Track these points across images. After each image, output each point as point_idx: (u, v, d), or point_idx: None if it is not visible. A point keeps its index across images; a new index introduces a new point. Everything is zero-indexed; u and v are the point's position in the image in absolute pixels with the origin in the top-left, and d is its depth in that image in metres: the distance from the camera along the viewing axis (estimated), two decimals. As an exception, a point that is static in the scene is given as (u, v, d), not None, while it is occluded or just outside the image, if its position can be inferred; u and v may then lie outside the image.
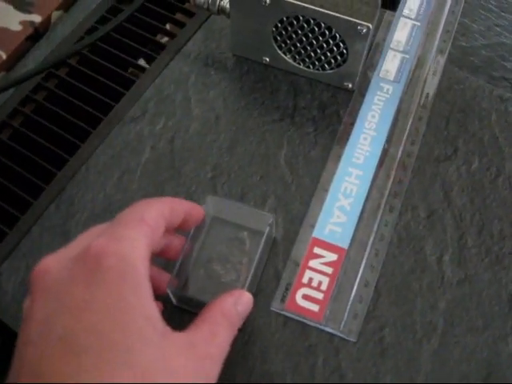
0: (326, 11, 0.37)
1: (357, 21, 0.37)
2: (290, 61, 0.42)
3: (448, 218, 0.39)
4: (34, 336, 0.24)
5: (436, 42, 0.45)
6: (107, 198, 0.39)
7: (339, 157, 0.40)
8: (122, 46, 0.45)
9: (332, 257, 0.37)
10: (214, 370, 0.27)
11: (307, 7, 0.37)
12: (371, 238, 0.37)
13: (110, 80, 0.43)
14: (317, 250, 0.37)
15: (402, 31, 0.45)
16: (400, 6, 0.43)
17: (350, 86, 0.42)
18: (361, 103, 0.42)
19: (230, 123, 0.42)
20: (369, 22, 0.37)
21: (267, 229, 0.35)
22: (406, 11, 0.46)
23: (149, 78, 0.43)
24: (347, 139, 0.40)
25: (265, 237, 0.35)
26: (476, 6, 0.47)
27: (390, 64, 0.43)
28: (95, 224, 0.30)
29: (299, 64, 0.42)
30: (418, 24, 0.45)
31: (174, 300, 0.35)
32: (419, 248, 0.38)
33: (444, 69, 0.44)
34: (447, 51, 0.45)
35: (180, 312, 0.35)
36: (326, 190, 0.39)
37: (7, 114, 0.42)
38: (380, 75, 0.43)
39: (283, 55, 0.42)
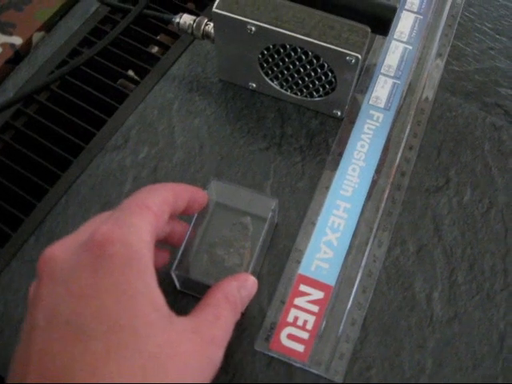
0: (313, 40, 0.36)
1: (345, 51, 0.35)
2: (277, 87, 0.41)
3: (438, 253, 0.38)
4: (41, 321, 0.24)
5: (428, 67, 0.44)
6: (87, 231, 0.38)
7: (327, 188, 0.39)
8: (105, 69, 0.43)
9: (318, 294, 0.36)
10: (218, 353, 0.27)
11: (294, 36, 0.36)
12: (359, 275, 0.36)
13: (91, 105, 0.42)
14: (303, 288, 0.36)
15: (394, 55, 0.44)
16: (391, 28, 0.42)
17: (339, 113, 0.41)
18: (350, 132, 0.41)
19: (214, 152, 0.41)
20: (358, 52, 0.35)
21: (270, 214, 0.35)
22: (397, 34, 0.45)
23: (131, 104, 0.42)
24: (335, 170, 0.39)
25: (268, 222, 0.35)
26: (470, 29, 0.46)
27: (381, 90, 0.42)
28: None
29: (287, 91, 0.41)
30: (410, 48, 0.44)
31: (177, 284, 0.35)
32: (408, 285, 0.37)
33: (436, 95, 0.43)
34: (439, 76, 0.44)
35: (183, 297, 0.36)
36: (313, 224, 0.38)
37: (-15, 141, 0.41)
38: (370, 102, 0.42)
39: (270, 82, 0.41)
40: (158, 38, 0.46)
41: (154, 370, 0.24)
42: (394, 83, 0.43)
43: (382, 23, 0.40)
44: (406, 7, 0.46)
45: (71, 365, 0.23)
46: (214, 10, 0.37)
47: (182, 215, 0.32)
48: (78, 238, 0.27)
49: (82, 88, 0.43)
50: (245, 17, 0.36)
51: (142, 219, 0.27)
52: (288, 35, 0.36)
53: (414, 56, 0.44)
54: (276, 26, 0.36)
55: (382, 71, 0.43)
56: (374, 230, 0.38)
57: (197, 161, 0.40)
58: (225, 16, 0.37)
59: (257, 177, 0.40)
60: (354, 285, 0.36)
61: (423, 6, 0.46)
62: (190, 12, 0.44)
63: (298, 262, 0.37)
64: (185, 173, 0.40)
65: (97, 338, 0.24)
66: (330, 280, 0.36)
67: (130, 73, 0.47)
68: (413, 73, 0.43)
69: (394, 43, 0.44)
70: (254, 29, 0.36)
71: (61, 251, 0.26)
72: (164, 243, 0.33)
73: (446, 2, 0.47)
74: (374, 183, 0.39)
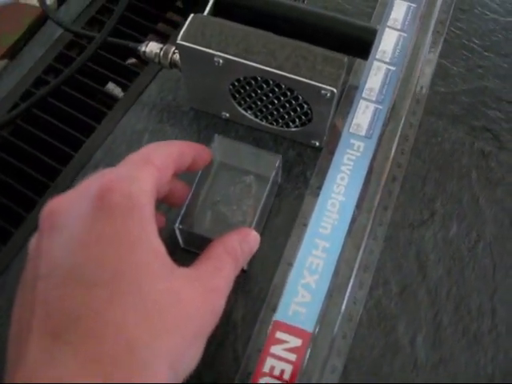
0: (286, 74, 0.33)
1: (319, 85, 0.33)
2: (252, 117, 0.38)
3: (422, 294, 0.35)
4: (44, 271, 0.24)
5: (413, 89, 0.41)
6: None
7: (305, 226, 0.37)
8: (72, 100, 0.41)
9: (296, 342, 0.34)
10: (219, 302, 0.27)
11: (264, 69, 0.33)
12: (339, 319, 0.34)
13: (57, 139, 0.39)
14: (279, 335, 0.34)
15: (376, 77, 0.41)
16: (373, 48, 0.39)
17: (318, 143, 0.39)
18: (329, 163, 0.38)
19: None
20: (333, 86, 0.33)
21: (273, 173, 0.35)
22: (379, 54, 0.42)
23: (99, 137, 0.39)
24: (314, 205, 0.37)
25: (271, 180, 0.35)
26: (457, 45, 0.43)
27: (362, 117, 0.39)
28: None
29: (262, 120, 0.39)
30: (393, 68, 0.41)
31: (181, 241, 0.35)
32: (391, 328, 0.35)
33: (421, 120, 0.40)
34: (425, 99, 0.41)
35: (187, 255, 0.34)
36: (290, 265, 0.36)
37: None
38: (350, 130, 0.39)
39: (243, 112, 0.38)
40: (128, 64, 0.43)
41: (158, 317, 0.24)
42: (376, 108, 0.40)
43: (361, 46, 0.37)
44: (388, 24, 0.43)
45: (76, 312, 0.23)
46: (179, 41, 0.34)
47: (187, 171, 0.32)
48: (79, 191, 0.27)
49: (47, 120, 0.40)
50: (211, 49, 0.34)
51: (143, 172, 0.27)
52: (258, 68, 0.33)
53: (397, 78, 0.41)
54: (245, 59, 0.33)
55: (364, 95, 0.40)
56: (355, 270, 0.35)
57: (168, 198, 0.38)
58: (190, 48, 0.34)
59: (231, 213, 0.37)
60: (333, 330, 0.34)
61: (407, 23, 0.43)
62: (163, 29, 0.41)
63: (275, 307, 0.35)
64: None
65: (100, 285, 0.23)
66: (308, 326, 0.34)
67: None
68: (396, 96, 0.40)
69: (376, 64, 0.41)
70: (221, 61, 0.34)
71: (61, 204, 0.26)
72: (163, 202, 0.32)
73: (431, 17, 0.44)
74: (354, 219, 0.37)
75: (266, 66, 0.33)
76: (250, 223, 0.34)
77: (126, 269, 0.24)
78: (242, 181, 0.37)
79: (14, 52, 0.43)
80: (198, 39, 0.34)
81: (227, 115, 0.39)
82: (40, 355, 0.22)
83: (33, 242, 0.27)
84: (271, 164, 0.35)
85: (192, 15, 0.35)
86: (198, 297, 0.26)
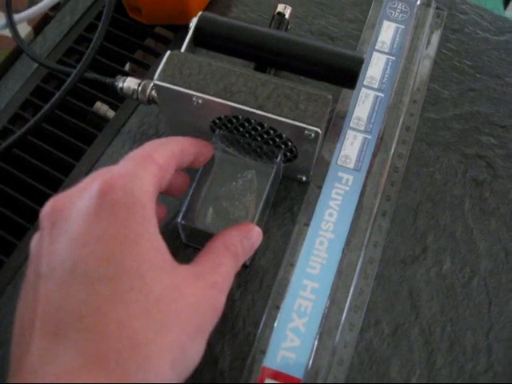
0: (267, 114, 0.32)
1: (303, 125, 0.32)
2: (235, 153, 0.37)
3: (416, 334, 0.35)
4: (46, 270, 0.24)
5: (402, 117, 0.40)
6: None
7: (292, 266, 0.35)
8: (51, 138, 0.39)
9: (285, 389, 0.33)
10: (219, 299, 0.28)
11: (245, 110, 0.32)
12: (329, 364, 0.33)
13: (35, 179, 0.38)
14: (268, 382, 0.33)
15: (364, 105, 0.40)
16: (360, 74, 0.37)
17: (305, 178, 0.37)
18: (317, 198, 0.37)
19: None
20: (317, 126, 0.32)
21: (275, 167, 0.35)
22: (367, 80, 0.40)
23: (77, 177, 0.38)
24: (302, 244, 0.36)
25: (272, 175, 0.35)
26: (447, 68, 0.42)
27: (350, 148, 0.38)
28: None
29: (245, 156, 0.37)
30: (382, 95, 0.40)
31: (183, 236, 0.36)
32: (383, 371, 0.34)
33: (411, 149, 0.39)
34: (415, 127, 0.39)
35: (188, 251, 0.36)
36: (278, 308, 0.35)
37: None
38: (338, 162, 0.38)
39: (226, 148, 0.37)
40: (108, 98, 0.41)
41: (160, 313, 0.24)
42: (365, 139, 0.38)
43: (347, 77, 0.36)
44: (376, 48, 0.41)
45: (78, 310, 0.23)
46: (156, 81, 0.33)
47: (188, 167, 0.33)
48: (80, 188, 0.27)
49: (24, 159, 0.39)
50: (189, 89, 0.32)
51: (145, 170, 0.27)
52: (238, 108, 0.32)
53: (386, 105, 0.40)
54: (225, 99, 0.32)
55: (351, 125, 0.39)
56: (345, 311, 0.35)
57: (151, 239, 0.37)
58: (167, 88, 0.33)
59: (217, 253, 0.36)
60: (323, 375, 0.33)
61: (395, 46, 0.41)
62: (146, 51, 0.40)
63: (263, 353, 0.34)
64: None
65: (102, 282, 0.23)
66: (298, 372, 0.33)
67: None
68: (385, 125, 0.39)
69: (364, 91, 0.40)
70: (200, 101, 0.32)
71: (63, 202, 0.26)
72: (163, 194, 0.32)
73: (420, 38, 0.42)
74: (343, 257, 0.36)
75: (247, 105, 0.32)
76: (252, 218, 0.34)
77: (129, 265, 0.24)
78: (243, 175, 0.36)
79: (-11, 87, 0.42)
80: (175, 79, 0.33)
81: (210, 150, 0.38)
82: (43, 353, 0.22)
83: (34, 240, 0.27)
84: (273, 158, 0.35)
85: (168, 52, 0.33)
86: (198, 293, 0.26)
